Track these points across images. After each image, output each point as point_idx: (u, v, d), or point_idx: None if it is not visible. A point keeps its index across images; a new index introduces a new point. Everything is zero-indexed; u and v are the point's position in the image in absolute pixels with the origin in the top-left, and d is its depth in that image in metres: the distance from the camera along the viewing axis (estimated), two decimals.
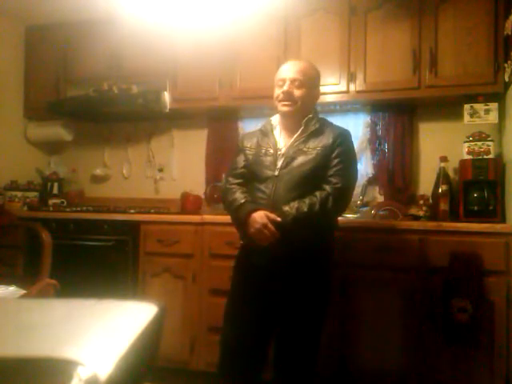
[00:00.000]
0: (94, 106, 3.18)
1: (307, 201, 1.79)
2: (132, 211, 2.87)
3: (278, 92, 1.95)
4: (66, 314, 0.85)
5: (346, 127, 2.95)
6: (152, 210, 2.89)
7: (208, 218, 2.62)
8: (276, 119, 2.03)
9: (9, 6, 3.13)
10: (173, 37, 3.01)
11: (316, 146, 1.88)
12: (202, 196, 3.12)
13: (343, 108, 2.99)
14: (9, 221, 2.62)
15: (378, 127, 2.93)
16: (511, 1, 2.38)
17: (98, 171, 3.54)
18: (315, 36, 2.80)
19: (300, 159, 1.87)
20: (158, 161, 3.45)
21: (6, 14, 3.25)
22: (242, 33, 2.91)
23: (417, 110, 2.89)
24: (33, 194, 3.34)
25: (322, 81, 2.73)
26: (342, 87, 2.74)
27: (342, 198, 1.87)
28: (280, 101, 1.93)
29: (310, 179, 1.85)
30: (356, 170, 1.98)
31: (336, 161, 1.86)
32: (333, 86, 2.75)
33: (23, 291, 2.04)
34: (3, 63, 3.29)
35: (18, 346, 0.66)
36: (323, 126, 1.95)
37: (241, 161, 2.02)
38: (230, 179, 2.01)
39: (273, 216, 1.79)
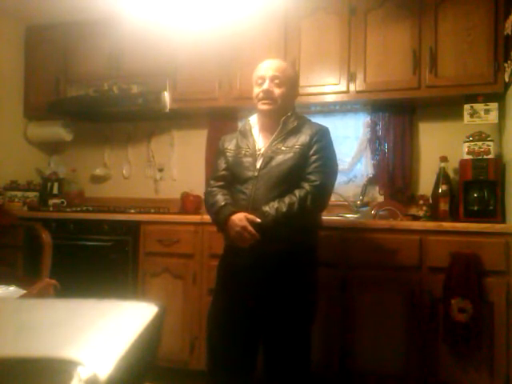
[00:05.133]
0: (94, 106, 3.18)
1: (286, 200, 1.79)
2: (132, 211, 2.88)
3: (257, 91, 1.94)
4: (66, 314, 0.85)
5: (345, 127, 3.03)
6: (152, 210, 2.89)
7: (208, 218, 2.61)
8: (254, 119, 2.03)
9: (9, 6, 3.13)
10: (173, 37, 3.01)
11: (294, 144, 1.88)
12: (202, 196, 3.11)
13: (343, 108, 2.99)
14: (9, 221, 2.62)
15: (378, 127, 2.93)
16: (511, 1, 2.38)
17: (98, 171, 3.54)
18: (315, 36, 2.81)
19: (278, 158, 1.87)
20: (158, 161, 3.45)
21: (6, 14, 3.25)
22: (242, 33, 2.91)
23: (417, 110, 2.89)
24: (33, 194, 3.34)
25: (322, 81, 2.78)
26: (342, 87, 2.74)
27: (321, 195, 1.87)
28: (260, 100, 1.93)
29: (290, 178, 1.84)
30: (335, 166, 1.96)
31: (314, 158, 1.86)
32: (333, 86, 2.76)
33: (23, 291, 2.04)
34: (3, 63, 3.29)
35: (17, 345, 0.66)
36: (301, 124, 1.94)
37: (221, 163, 2.02)
38: (212, 182, 2.02)
39: (252, 217, 1.79)
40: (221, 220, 1.87)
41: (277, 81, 1.91)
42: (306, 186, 1.82)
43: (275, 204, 1.79)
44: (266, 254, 1.83)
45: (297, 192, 1.81)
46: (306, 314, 1.93)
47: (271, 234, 1.79)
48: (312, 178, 1.84)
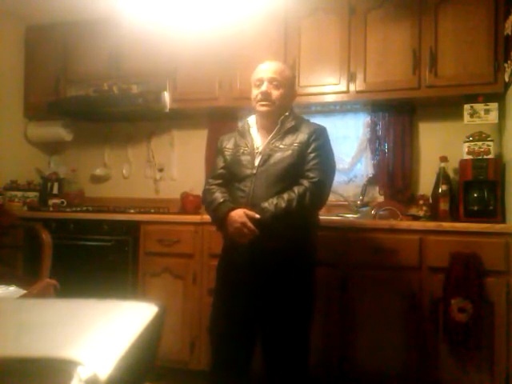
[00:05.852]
0: (94, 106, 3.18)
1: (286, 196, 1.80)
2: (132, 211, 2.87)
3: (255, 92, 1.96)
4: (66, 314, 0.85)
5: (345, 127, 3.03)
6: (152, 210, 2.89)
7: (208, 217, 2.61)
8: (253, 119, 2.05)
9: (9, 6, 3.13)
10: (173, 37, 3.00)
11: (292, 142, 1.90)
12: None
13: (343, 108, 2.99)
14: (9, 221, 2.62)
15: (377, 127, 2.93)
16: (511, 1, 2.38)
17: (98, 171, 3.54)
18: (315, 36, 2.81)
19: (277, 156, 1.89)
20: (157, 161, 3.45)
21: (6, 14, 3.25)
22: (242, 33, 2.91)
23: (417, 110, 2.88)
24: (33, 194, 3.34)
25: (322, 81, 2.78)
26: (342, 87, 2.74)
27: (320, 192, 1.88)
28: (258, 101, 1.95)
29: (288, 175, 1.86)
30: (333, 164, 1.98)
31: (312, 155, 1.88)
32: (333, 86, 2.76)
33: (23, 291, 2.04)
34: (3, 63, 3.29)
35: (18, 345, 0.66)
36: (299, 124, 1.96)
37: (220, 162, 2.04)
38: (210, 180, 2.04)
39: (251, 213, 1.80)
40: (220, 216, 1.88)
41: (275, 83, 1.93)
42: (305, 182, 1.84)
43: (274, 200, 1.80)
44: (264, 251, 1.84)
45: (296, 189, 1.82)
46: (305, 311, 1.94)
47: (270, 231, 1.80)
48: (311, 174, 1.85)
